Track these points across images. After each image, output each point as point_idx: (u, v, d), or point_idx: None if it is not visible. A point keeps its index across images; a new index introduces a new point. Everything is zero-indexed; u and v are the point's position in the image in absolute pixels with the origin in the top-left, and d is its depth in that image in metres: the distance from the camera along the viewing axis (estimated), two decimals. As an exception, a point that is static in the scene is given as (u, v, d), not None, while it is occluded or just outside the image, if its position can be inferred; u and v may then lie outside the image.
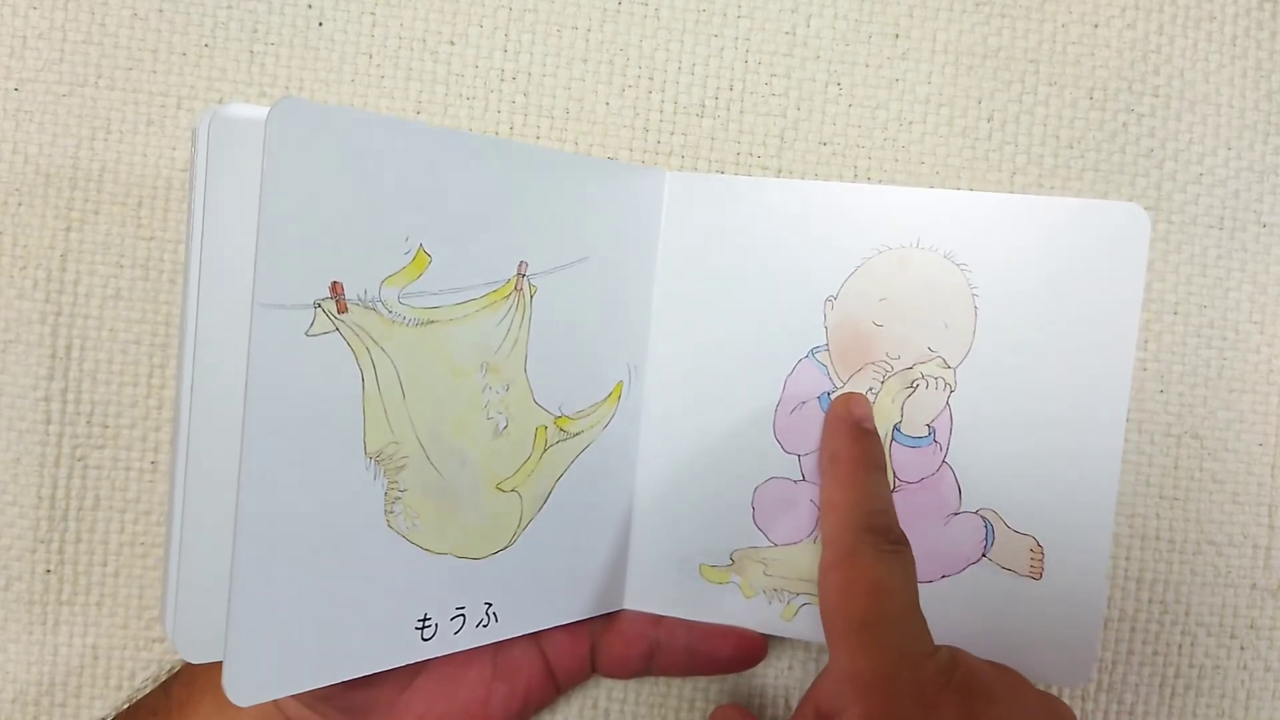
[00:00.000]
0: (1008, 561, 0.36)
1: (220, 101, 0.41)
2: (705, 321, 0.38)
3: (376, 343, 0.30)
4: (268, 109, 0.28)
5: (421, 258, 0.31)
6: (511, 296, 0.34)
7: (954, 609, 0.36)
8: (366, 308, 0.30)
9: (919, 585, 0.34)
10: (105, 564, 0.41)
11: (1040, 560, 0.36)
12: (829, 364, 0.37)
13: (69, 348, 0.41)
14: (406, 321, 0.31)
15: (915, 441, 0.36)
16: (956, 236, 0.36)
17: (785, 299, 0.37)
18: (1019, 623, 0.36)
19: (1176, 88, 0.42)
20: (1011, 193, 0.42)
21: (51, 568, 0.41)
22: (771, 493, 0.37)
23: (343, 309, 0.30)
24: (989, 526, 0.36)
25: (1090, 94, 0.42)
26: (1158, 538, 0.42)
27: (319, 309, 0.29)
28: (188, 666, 0.37)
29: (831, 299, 0.37)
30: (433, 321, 0.32)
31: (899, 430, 0.36)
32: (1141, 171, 0.42)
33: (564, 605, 0.37)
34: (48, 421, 0.41)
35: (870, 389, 0.36)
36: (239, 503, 0.28)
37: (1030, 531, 0.36)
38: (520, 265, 0.34)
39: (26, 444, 0.41)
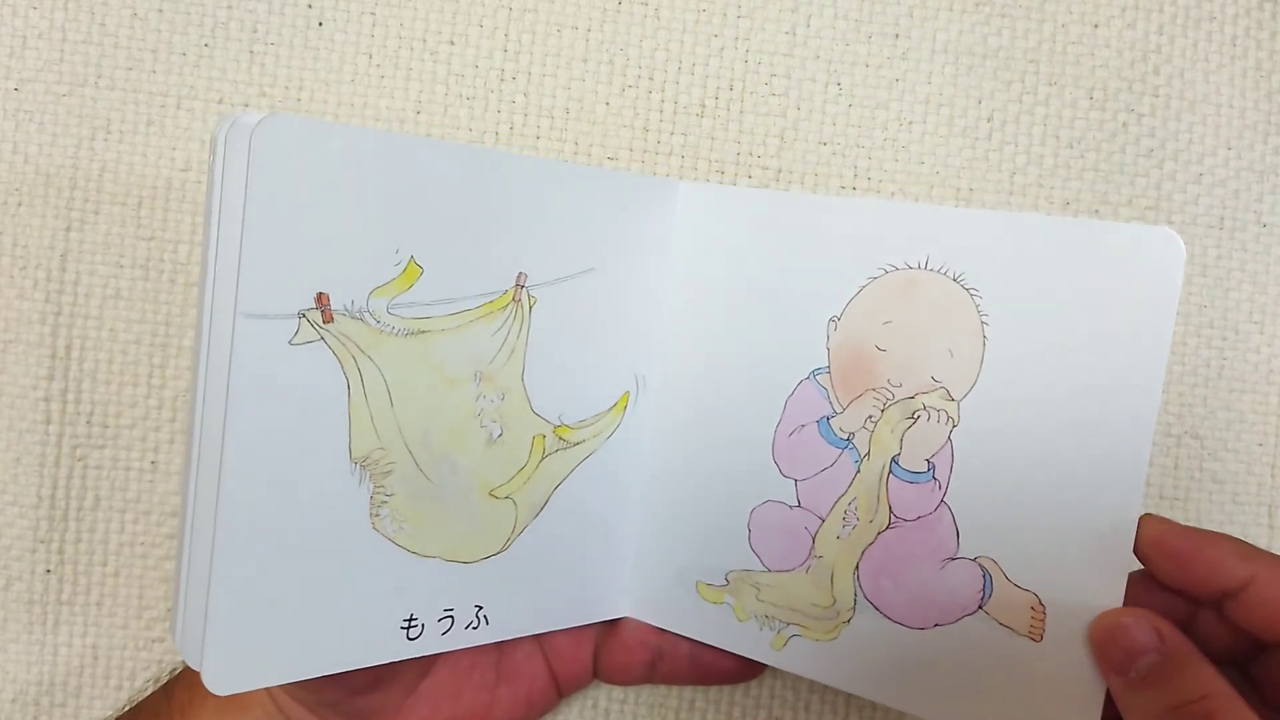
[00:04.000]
0: (1005, 617, 0.32)
1: (220, 101, 0.41)
2: (712, 334, 0.36)
3: (363, 352, 0.30)
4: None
5: (413, 269, 0.31)
6: (509, 307, 0.33)
7: (944, 661, 0.33)
8: (353, 318, 0.30)
9: (910, 631, 0.33)
10: (105, 564, 0.41)
11: (1041, 621, 0.32)
12: (829, 387, 0.35)
13: (69, 348, 0.41)
14: (395, 331, 0.31)
15: (913, 476, 0.34)
16: (968, 258, 0.33)
17: (790, 316, 0.35)
18: (1012, 685, 0.32)
19: (1176, 88, 0.42)
20: (1011, 193, 0.42)
21: (51, 568, 0.41)
22: (768, 516, 0.36)
23: (328, 319, 0.30)
24: (987, 577, 0.32)
25: (1090, 94, 0.42)
26: (1157, 538, 0.42)
27: (303, 319, 0.29)
28: (189, 669, 0.37)
29: (835, 319, 0.35)
30: (423, 331, 0.32)
31: (896, 463, 0.34)
32: (1141, 171, 0.42)
33: (559, 611, 0.37)
34: (48, 421, 0.41)
35: (869, 417, 0.34)
36: (219, 496, 0.29)
37: (1032, 588, 0.32)
38: (519, 276, 0.33)
39: (26, 444, 0.41)
